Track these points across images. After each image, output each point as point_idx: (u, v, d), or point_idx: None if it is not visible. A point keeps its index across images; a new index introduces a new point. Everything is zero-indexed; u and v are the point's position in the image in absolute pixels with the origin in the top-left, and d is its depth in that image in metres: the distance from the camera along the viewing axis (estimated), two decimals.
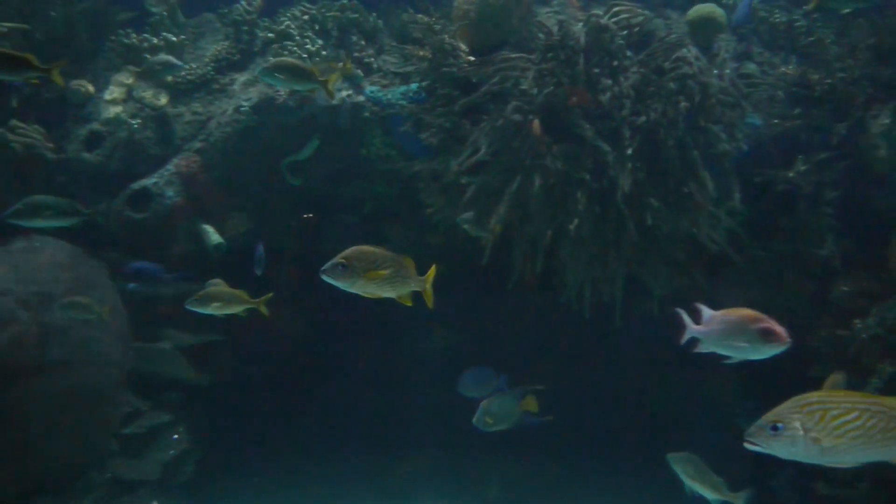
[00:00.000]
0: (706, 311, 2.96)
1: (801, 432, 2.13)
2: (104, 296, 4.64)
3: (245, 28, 5.46)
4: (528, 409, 4.07)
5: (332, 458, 5.36)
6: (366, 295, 2.87)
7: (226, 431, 5.28)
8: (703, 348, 2.99)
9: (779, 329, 2.78)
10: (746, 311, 2.87)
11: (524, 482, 5.42)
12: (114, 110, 5.21)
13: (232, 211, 5.14)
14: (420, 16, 5.15)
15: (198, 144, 5.09)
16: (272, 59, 4.49)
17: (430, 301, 2.99)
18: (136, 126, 5.14)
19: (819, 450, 2.13)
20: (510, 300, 4.98)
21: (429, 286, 2.96)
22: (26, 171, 4.97)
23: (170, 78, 5.26)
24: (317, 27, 5.29)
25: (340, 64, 4.57)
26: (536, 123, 4.11)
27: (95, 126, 5.19)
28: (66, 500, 4.43)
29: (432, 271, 2.98)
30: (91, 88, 5.32)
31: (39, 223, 4.20)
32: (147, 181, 5.00)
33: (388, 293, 2.91)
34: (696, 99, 4.20)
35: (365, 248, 2.85)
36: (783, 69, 4.84)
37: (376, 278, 2.81)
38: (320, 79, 4.20)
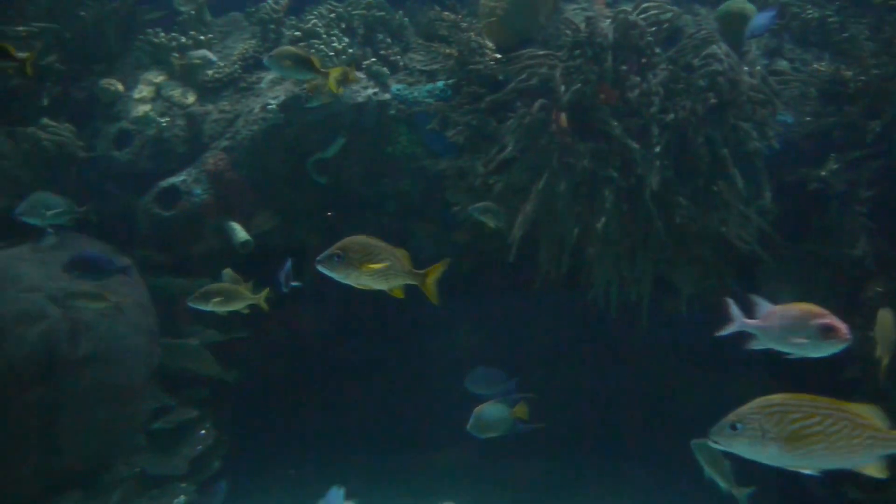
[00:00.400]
0: (763, 305, 2.83)
1: (760, 433, 2.14)
2: (133, 292, 4.69)
3: (272, 27, 5.49)
4: (519, 417, 4.10)
5: (357, 455, 5.37)
6: (358, 286, 2.83)
7: (252, 427, 5.32)
8: (758, 344, 2.84)
9: (840, 325, 2.67)
10: (807, 306, 2.75)
11: (547, 481, 5.40)
12: (143, 109, 5.26)
13: (258, 208, 5.16)
14: (446, 13, 5.15)
15: (225, 142, 5.12)
16: (278, 48, 4.56)
17: (433, 297, 2.91)
18: (164, 124, 5.18)
19: (778, 451, 2.14)
20: (536, 298, 4.96)
21: (430, 281, 2.88)
22: (57, 169, 5.04)
23: (210, 72, 5.31)
24: (343, 25, 5.30)
25: (344, 67, 4.62)
26: (563, 116, 4.08)
27: (125, 124, 5.24)
28: (94, 494, 4.47)
29: (438, 266, 2.90)
30: (120, 87, 5.37)
31: (38, 221, 4.34)
32: (175, 179, 5.04)
33: (381, 285, 2.86)
34: (726, 96, 4.16)
35: (360, 238, 2.81)
36: (816, 66, 4.76)
37: (372, 271, 2.77)
38: (321, 70, 4.34)
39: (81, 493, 4.43)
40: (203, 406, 5.09)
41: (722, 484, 3.78)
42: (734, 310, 2.87)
